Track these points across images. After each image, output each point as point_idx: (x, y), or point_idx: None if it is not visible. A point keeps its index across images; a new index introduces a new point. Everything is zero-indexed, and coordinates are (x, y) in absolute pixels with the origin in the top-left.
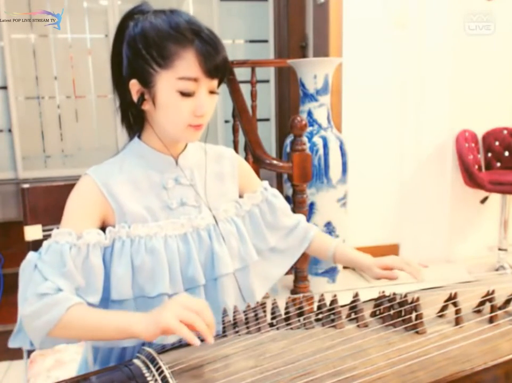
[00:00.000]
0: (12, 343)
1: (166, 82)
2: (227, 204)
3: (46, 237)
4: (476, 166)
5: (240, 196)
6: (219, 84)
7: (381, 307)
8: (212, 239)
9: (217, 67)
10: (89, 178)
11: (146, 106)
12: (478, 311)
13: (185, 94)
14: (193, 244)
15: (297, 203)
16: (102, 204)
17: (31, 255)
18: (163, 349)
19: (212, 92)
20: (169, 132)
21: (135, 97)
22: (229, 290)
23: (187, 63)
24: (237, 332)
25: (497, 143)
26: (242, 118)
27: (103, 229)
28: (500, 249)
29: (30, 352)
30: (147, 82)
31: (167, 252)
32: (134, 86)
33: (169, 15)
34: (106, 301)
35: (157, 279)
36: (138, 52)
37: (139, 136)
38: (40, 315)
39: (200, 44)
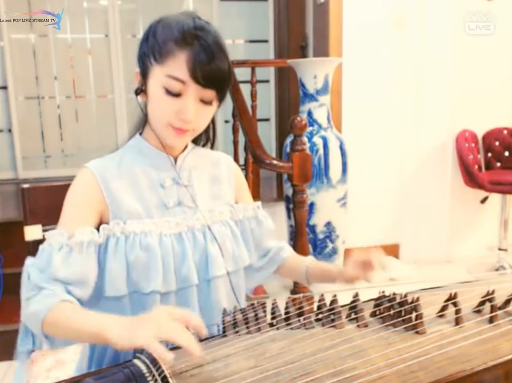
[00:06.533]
0: (20, 348)
1: (157, 76)
2: (223, 207)
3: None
4: (476, 166)
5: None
6: (220, 99)
7: (381, 307)
8: (206, 240)
9: (208, 76)
10: (88, 171)
11: (143, 97)
12: (478, 311)
13: (170, 92)
14: (188, 244)
15: (297, 203)
16: (98, 197)
17: (27, 261)
18: None
19: (204, 101)
20: (154, 128)
21: (136, 86)
22: (221, 292)
23: (177, 64)
24: (237, 332)
25: (497, 143)
26: (242, 118)
27: (100, 225)
28: (500, 249)
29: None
30: (144, 73)
31: (161, 250)
32: (137, 75)
33: (186, 17)
34: (98, 299)
35: (151, 275)
36: (144, 43)
37: (140, 133)
38: (29, 318)
39: (197, 49)
